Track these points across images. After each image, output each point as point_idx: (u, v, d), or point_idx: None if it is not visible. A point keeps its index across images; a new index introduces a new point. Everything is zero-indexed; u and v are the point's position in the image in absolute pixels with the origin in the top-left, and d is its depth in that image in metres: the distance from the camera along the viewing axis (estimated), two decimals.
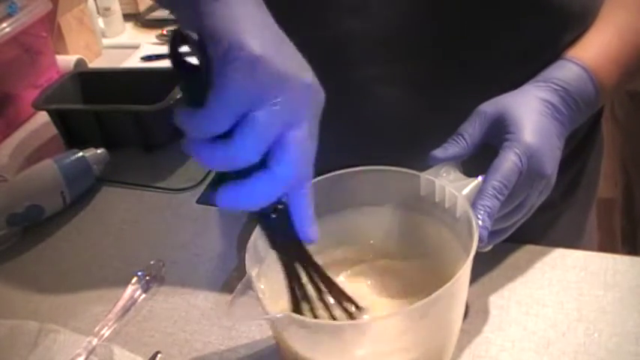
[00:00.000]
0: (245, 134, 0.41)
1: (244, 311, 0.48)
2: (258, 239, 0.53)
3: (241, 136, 0.42)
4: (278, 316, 0.47)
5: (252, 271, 0.50)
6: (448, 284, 0.46)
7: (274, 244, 0.48)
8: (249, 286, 0.49)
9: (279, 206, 0.46)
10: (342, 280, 0.58)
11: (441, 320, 0.51)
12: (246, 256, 0.51)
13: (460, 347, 0.59)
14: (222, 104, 0.41)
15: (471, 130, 0.56)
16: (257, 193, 0.44)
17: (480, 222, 0.51)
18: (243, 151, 0.42)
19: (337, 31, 0.62)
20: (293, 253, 0.49)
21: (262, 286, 0.51)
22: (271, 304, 0.49)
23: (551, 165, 0.55)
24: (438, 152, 0.56)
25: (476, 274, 0.64)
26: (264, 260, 0.54)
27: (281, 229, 0.47)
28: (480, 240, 0.50)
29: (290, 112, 0.43)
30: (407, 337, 0.49)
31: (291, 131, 0.43)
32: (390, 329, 0.48)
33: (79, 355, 0.62)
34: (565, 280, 0.64)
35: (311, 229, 0.47)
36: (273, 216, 0.46)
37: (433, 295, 0.46)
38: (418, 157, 0.56)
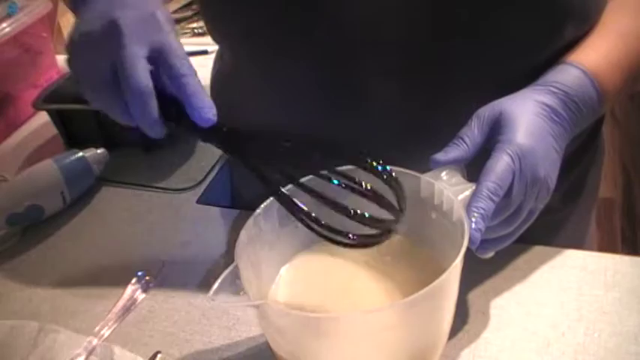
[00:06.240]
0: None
1: (227, 298, 0.49)
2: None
3: None
4: (256, 303, 0.48)
5: (240, 261, 0.50)
6: (431, 285, 0.46)
7: (203, 138, 0.47)
8: (237, 276, 0.49)
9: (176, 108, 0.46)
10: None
11: (426, 320, 0.51)
12: (236, 248, 0.51)
13: (460, 347, 0.59)
14: None
15: (471, 133, 0.56)
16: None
17: (473, 224, 0.50)
18: None
19: (330, 24, 0.61)
20: (224, 139, 0.47)
21: (249, 275, 0.51)
22: (256, 294, 0.50)
23: (545, 166, 0.54)
24: (439, 155, 0.56)
25: (476, 274, 0.65)
26: (253, 251, 0.54)
27: (188, 124, 0.46)
28: (472, 242, 0.50)
29: None
30: (389, 335, 0.49)
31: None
32: (372, 325, 0.49)
33: (79, 355, 0.62)
34: (565, 280, 0.64)
35: (204, 111, 0.46)
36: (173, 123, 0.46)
37: (413, 296, 0.45)
38: (415, 156, 0.56)
